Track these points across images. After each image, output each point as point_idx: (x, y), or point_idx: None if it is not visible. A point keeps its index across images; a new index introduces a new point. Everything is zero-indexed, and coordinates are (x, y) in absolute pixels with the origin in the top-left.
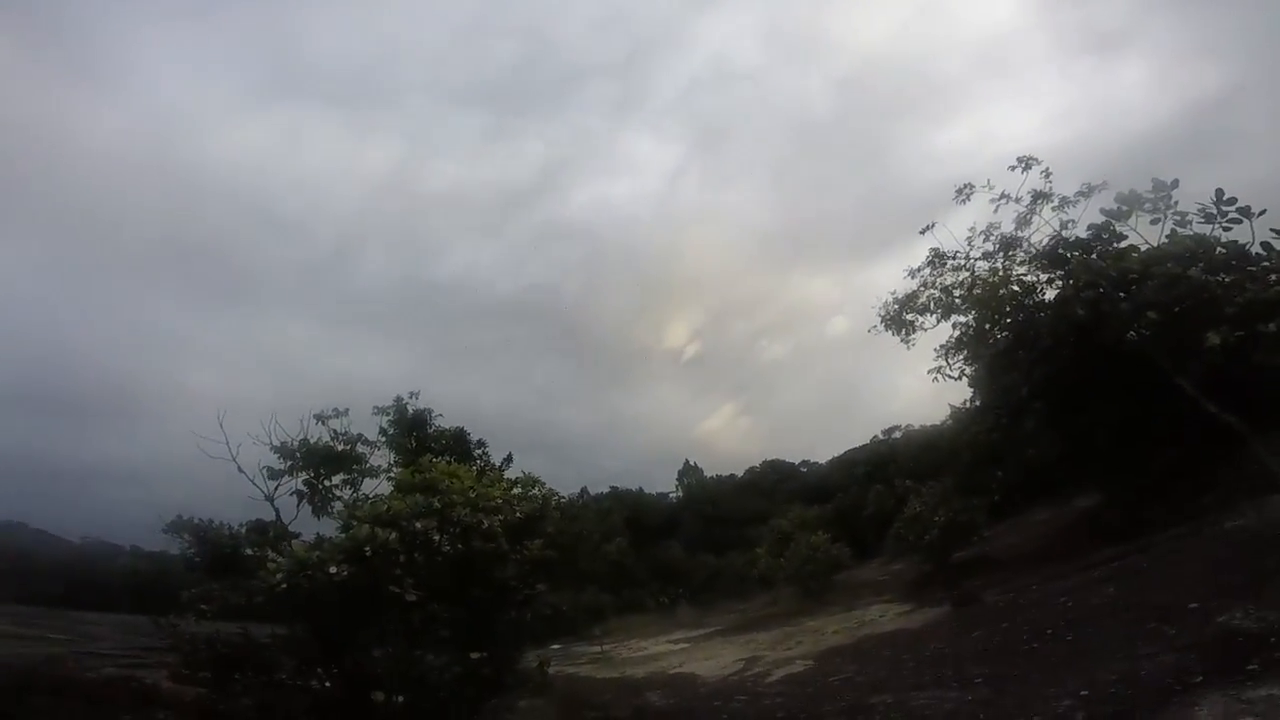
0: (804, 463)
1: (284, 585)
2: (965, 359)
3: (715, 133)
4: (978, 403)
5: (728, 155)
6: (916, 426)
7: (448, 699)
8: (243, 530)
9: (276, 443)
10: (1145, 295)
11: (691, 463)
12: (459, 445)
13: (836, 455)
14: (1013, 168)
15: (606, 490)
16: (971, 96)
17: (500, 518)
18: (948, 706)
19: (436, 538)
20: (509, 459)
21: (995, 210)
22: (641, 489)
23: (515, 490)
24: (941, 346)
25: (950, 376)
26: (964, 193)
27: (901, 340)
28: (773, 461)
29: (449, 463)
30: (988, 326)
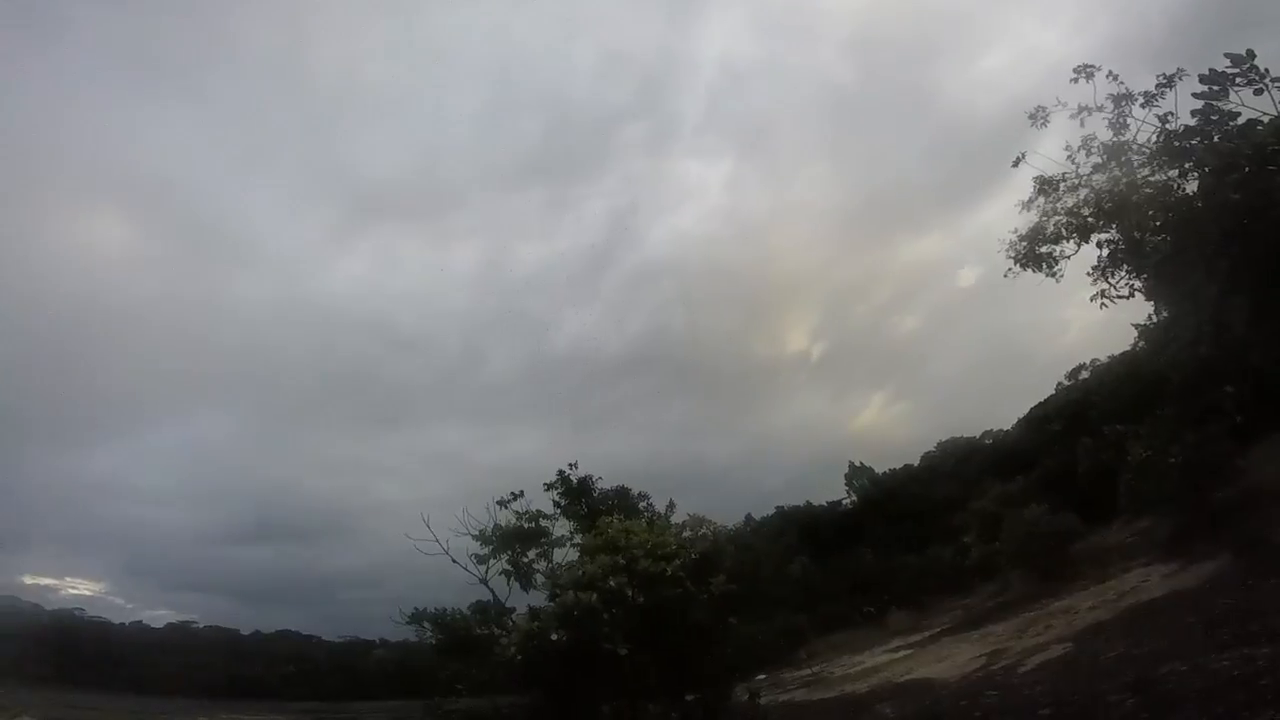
0: (986, 433)
1: (518, 656)
2: (1127, 274)
3: (754, 132)
4: (1165, 315)
5: (775, 149)
6: (1104, 360)
7: None
8: (469, 612)
9: (475, 532)
10: None
11: (857, 463)
12: (624, 502)
13: (1021, 416)
14: (1074, 79)
15: (772, 512)
16: (991, 19)
17: (679, 561)
18: (1260, 664)
19: (629, 592)
20: (671, 505)
21: (1081, 124)
22: (809, 502)
23: (685, 533)
24: (1094, 269)
25: (1119, 296)
26: (1039, 116)
27: (1046, 275)
28: (949, 440)
29: (621, 520)
30: (1137, 235)
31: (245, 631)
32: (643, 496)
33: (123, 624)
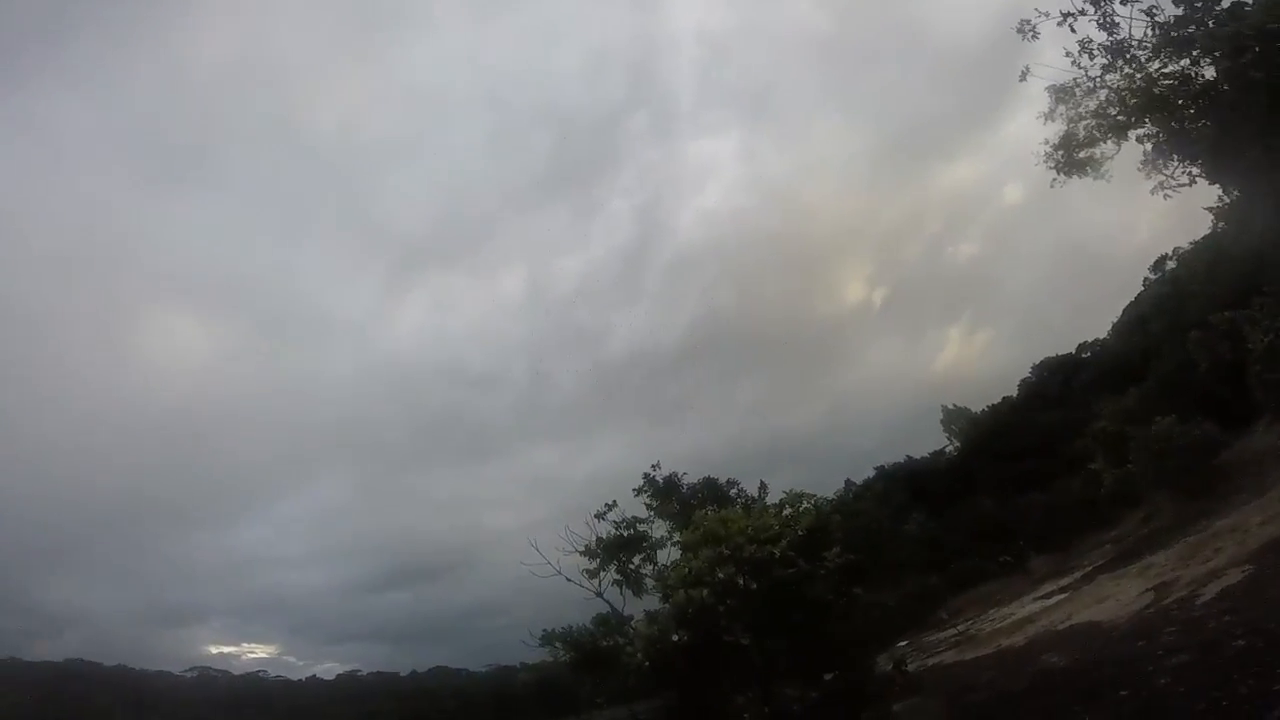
0: (1082, 346)
1: (646, 663)
2: (1180, 162)
3: (753, 98)
4: (1235, 193)
5: (779, 110)
6: (1187, 247)
7: None
8: (593, 626)
9: (580, 548)
10: None
11: (951, 406)
12: (714, 493)
13: (1115, 321)
14: None
15: (872, 474)
16: None
17: (785, 541)
18: None
19: (740, 581)
20: (763, 487)
21: (1071, 29)
22: (909, 457)
23: (785, 511)
24: (1143, 164)
25: (1179, 185)
26: (1026, 29)
27: (1095, 177)
28: (1044, 362)
29: (715, 511)
30: (1175, 125)
31: (403, 673)
32: (732, 484)
33: (300, 680)
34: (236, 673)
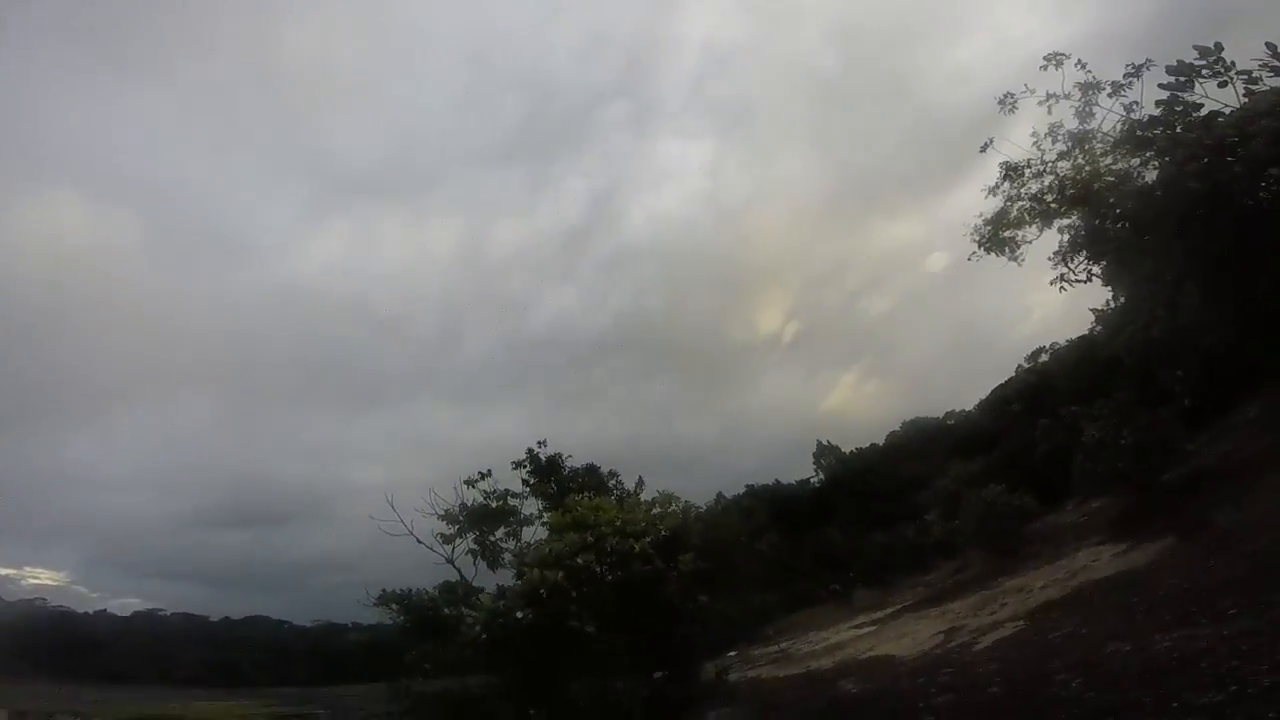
0: (949, 414)
1: (484, 636)
2: (1086, 259)
3: (735, 116)
4: (1121, 300)
5: (756, 132)
6: (1063, 343)
7: None
8: (436, 593)
9: (440, 512)
10: (1257, 153)
11: (825, 442)
12: (593, 480)
13: (983, 398)
14: (1043, 66)
15: (742, 491)
16: (974, 5)
17: (648, 539)
18: (1201, 644)
19: (598, 569)
20: (641, 483)
21: (1049, 111)
22: (778, 481)
23: (655, 510)
24: (1055, 254)
25: (1077, 281)
26: (1007, 103)
27: (1009, 259)
28: (914, 420)
29: (589, 498)
30: (1097, 223)
31: (215, 618)
32: (612, 475)
33: (87, 613)
34: (8, 599)
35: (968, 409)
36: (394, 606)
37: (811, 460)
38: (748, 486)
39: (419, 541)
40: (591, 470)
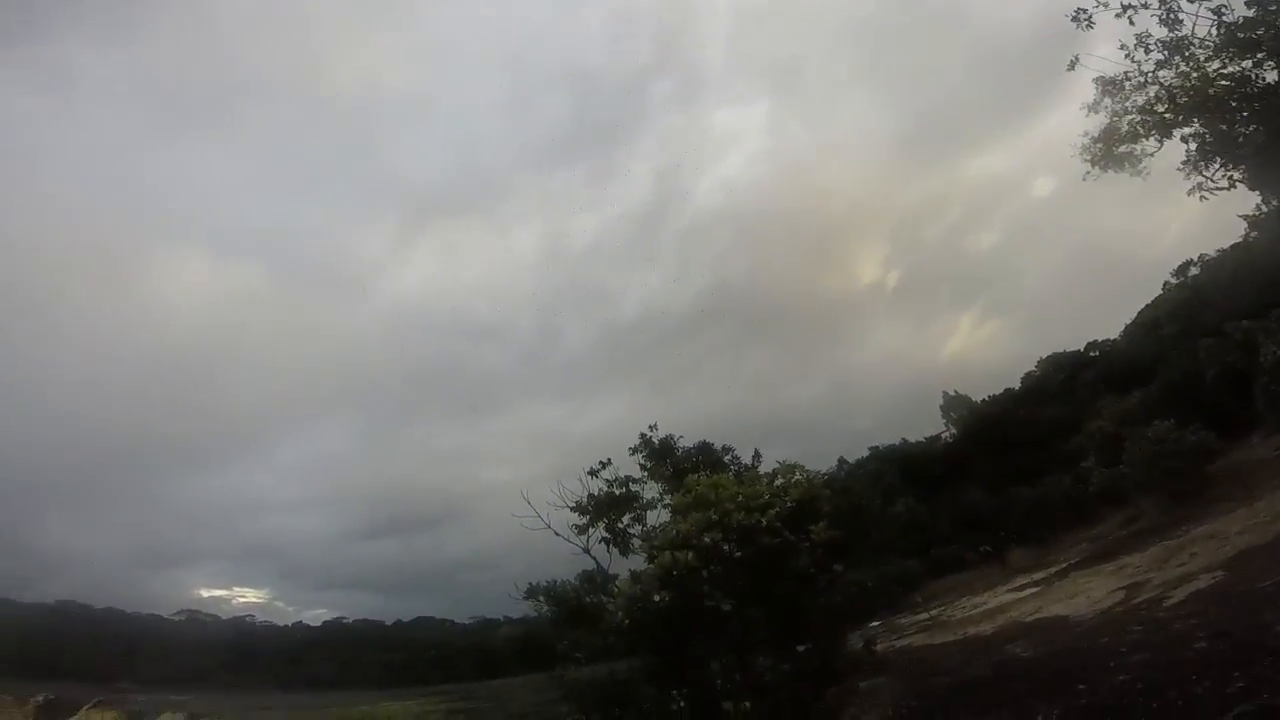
0: (1090, 345)
1: (625, 621)
2: (1223, 165)
3: (783, 72)
4: (1275, 203)
5: (809, 85)
6: (1214, 254)
7: (786, 696)
8: (577, 583)
9: (571, 504)
10: None
11: (952, 393)
12: (708, 458)
13: (1128, 322)
14: None
15: (865, 454)
16: None
17: (774, 511)
18: None
19: (725, 547)
20: (758, 456)
21: (1130, 21)
22: (904, 440)
23: (778, 482)
24: (1185, 163)
25: (1218, 189)
26: (1082, 18)
27: (1131, 174)
28: (1051, 357)
29: (707, 476)
30: (1224, 127)
31: (388, 622)
32: (727, 450)
33: (287, 625)
34: (225, 617)
35: (1112, 337)
36: (541, 599)
37: (939, 414)
38: (871, 449)
39: (556, 534)
40: (705, 448)
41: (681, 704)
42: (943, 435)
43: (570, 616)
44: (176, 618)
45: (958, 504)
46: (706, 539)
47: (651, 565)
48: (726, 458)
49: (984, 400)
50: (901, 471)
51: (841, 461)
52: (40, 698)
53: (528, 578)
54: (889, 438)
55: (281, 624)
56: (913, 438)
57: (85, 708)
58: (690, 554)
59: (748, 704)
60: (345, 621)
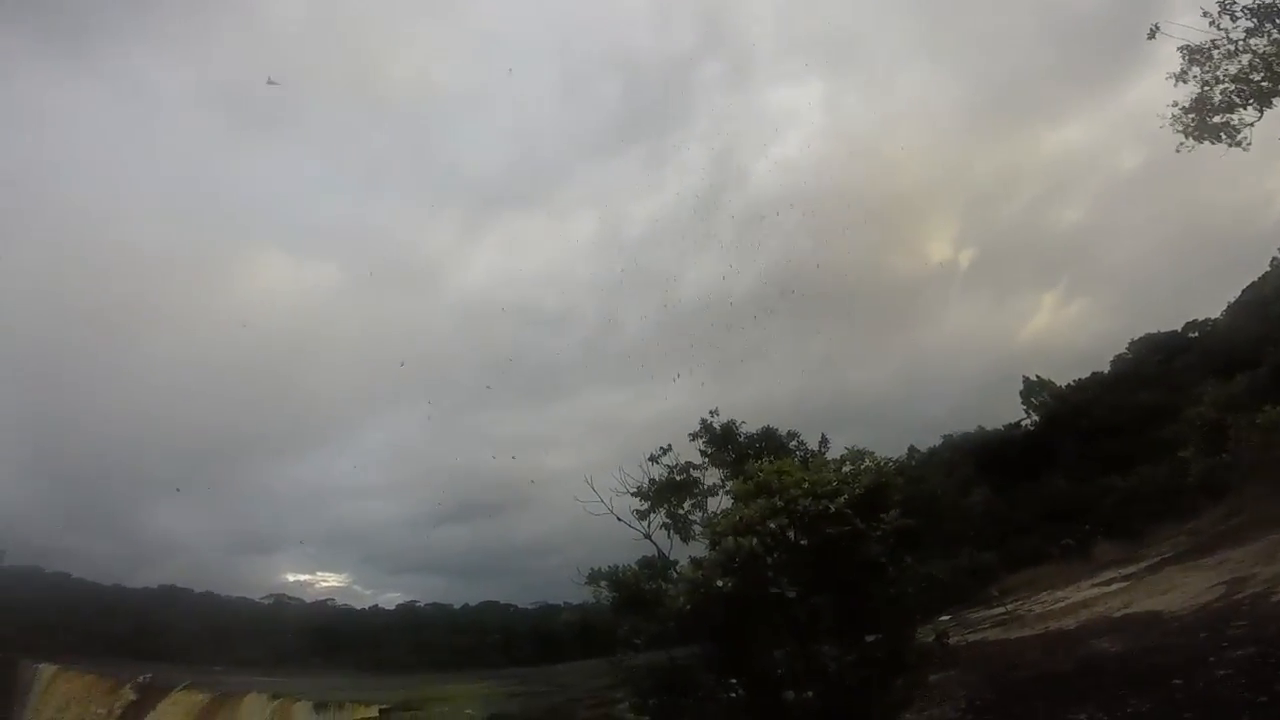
0: (1190, 325)
1: (686, 607)
2: None
3: (836, 47)
4: None
5: (863, 59)
6: None
7: (852, 686)
8: (637, 568)
9: (632, 490)
10: None
11: (1034, 377)
12: (771, 443)
13: (1232, 301)
14: None
15: (939, 442)
16: None
17: (843, 498)
18: None
19: (791, 533)
20: (824, 442)
21: None
22: (980, 427)
23: (845, 468)
24: None
25: None
26: None
27: (1229, 145)
28: (1145, 339)
29: (770, 462)
30: None
31: (457, 606)
32: (792, 435)
33: (364, 609)
34: (308, 600)
35: (1212, 317)
36: (602, 584)
37: (1019, 400)
38: (944, 437)
39: (618, 519)
40: (769, 434)
41: (740, 692)
42: (1023, 423)
43: (630, 601)
44: (265, 601)
45: (1039, 495)
46: (771, 525)
47: (713, 551)
48: (791, 443)
49: (1069, 385)
50: (977, 461)
51: (912, 450)
52: (139, 679)
53: (589, 564)
54: (964, 425)
55: (359, 607)
56: (990, 425)
57: (176, 690)
58: (754, 540)
59: (810, 693)
60: (417, 605)
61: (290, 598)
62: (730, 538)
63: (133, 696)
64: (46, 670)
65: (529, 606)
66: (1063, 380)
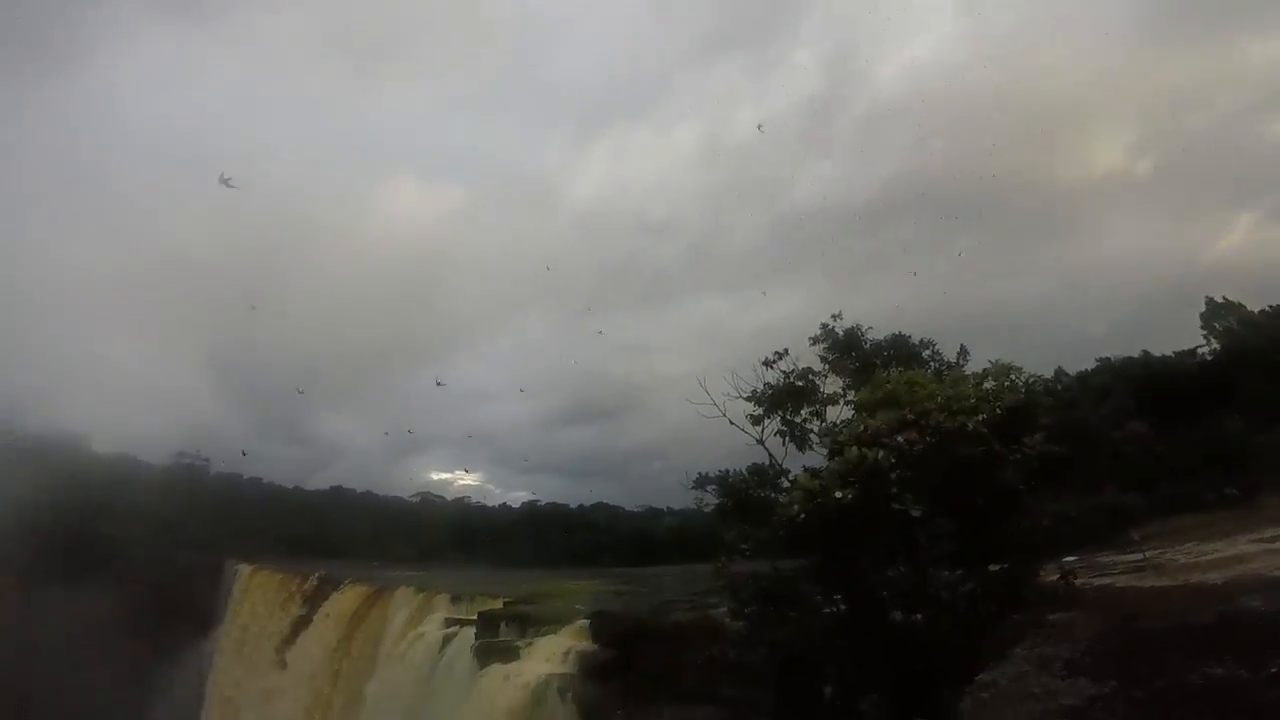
0: None
1: (800, 516)
2: None
3: None
4: None
5: None
6: None
7: (965, 615)
8: (746, 474)
9: (746, 394)
10: None
11: (1220, 299)
12: (901, 352)
13: None
14: None
15: (1093, 365)
16: None
17: (981, 416)
18: None
19: (920, 449)
20: (963, 353)
21: None
22: (1146, 352)
23: (987, 384)
24: None
25: None
26: None
27: None
28: None
29: (900, 372)
30: None
31: (573, 505)
32: (926, 345)
33: (495, 507)
34: (449, 498)
35: None
36: (709, 489)
37: (1199, 324)
38: (1100, 360)
39: (731, 423)
40: (899, 341)
41: (842, 608)
42: (1200, 350)
43: (739, 507)
44: (413, 499)
45: (1207, 435)
46: (900, 439)
47: (833, 461)
48: (925, 353)
49: (1264, 310)
50: (1137, 389)
51: (1059, 373)
52: (316, 576)
53: (695, 469)
54: (1125, 348)
55: (490, 505)
56: (1158, 350)
57: (344, 585)
58: (880, 452)
59: (919, 616)
60: (539, 504)
61: (434, 496)
62: (853, 448)
63: (311, 591)
64: (245, 569)
65: (635, 509)
66: (1256, 305)
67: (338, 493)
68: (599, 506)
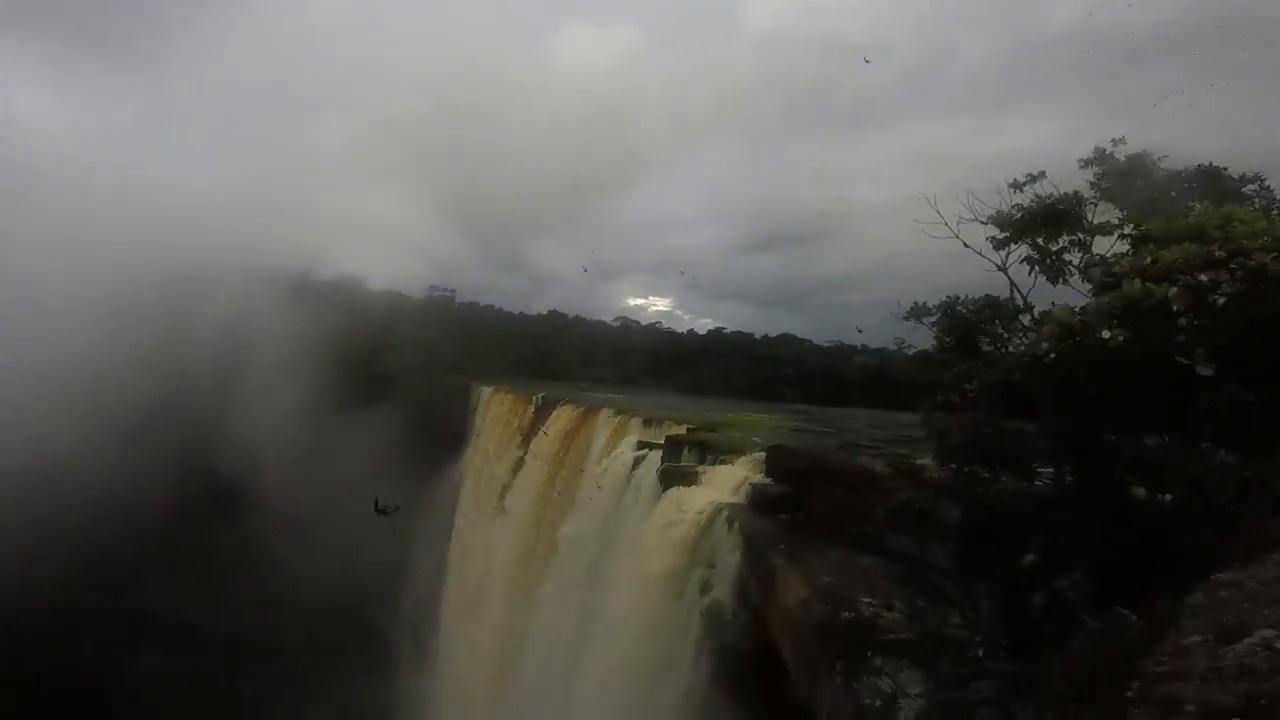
0: None
1: (1050, 355)
2: None
3: None
4: None
5: None
6: None
7: (1228, 505)
8: (978, 304)
9: (983, 219)
10: None
11: None
12: (1212, 185)
13: None
14: None
15: None
16: None
17: None
18: None
19: (1226, 294)
20: None
21: None
22: None
23: None
24: None
25: None
26: None
27: None
28: None
29: (1208, 207)
30: None
31: (758, 335)
32: (1250, 179)
33: (683, 333)
34: (643, 323)
35: None
36: (926, 321)
37: None
38: None
39: (965, 245)
40: (1208, 173)
41: (1069, 479)
42: None
43: (961, 344)
44: (613, 323)
45: None
46: (1202, 277)
47: (1101, 297)
48: (1245, 189)
49: None
50: None
51: None
52: (538, 397)
53: (893, 306)
54: None
55: (679, 331)
56: None
57: (560, 404)
58: (1171, 289)
59: (1168, 497)
60: (724, 332)
61: (631, 320)
62: (1135, 280)
63: (534, 410)
64: (486, 391)
65: (824, 344)
66: None
67: (554, 316)
68: (785, 338)
